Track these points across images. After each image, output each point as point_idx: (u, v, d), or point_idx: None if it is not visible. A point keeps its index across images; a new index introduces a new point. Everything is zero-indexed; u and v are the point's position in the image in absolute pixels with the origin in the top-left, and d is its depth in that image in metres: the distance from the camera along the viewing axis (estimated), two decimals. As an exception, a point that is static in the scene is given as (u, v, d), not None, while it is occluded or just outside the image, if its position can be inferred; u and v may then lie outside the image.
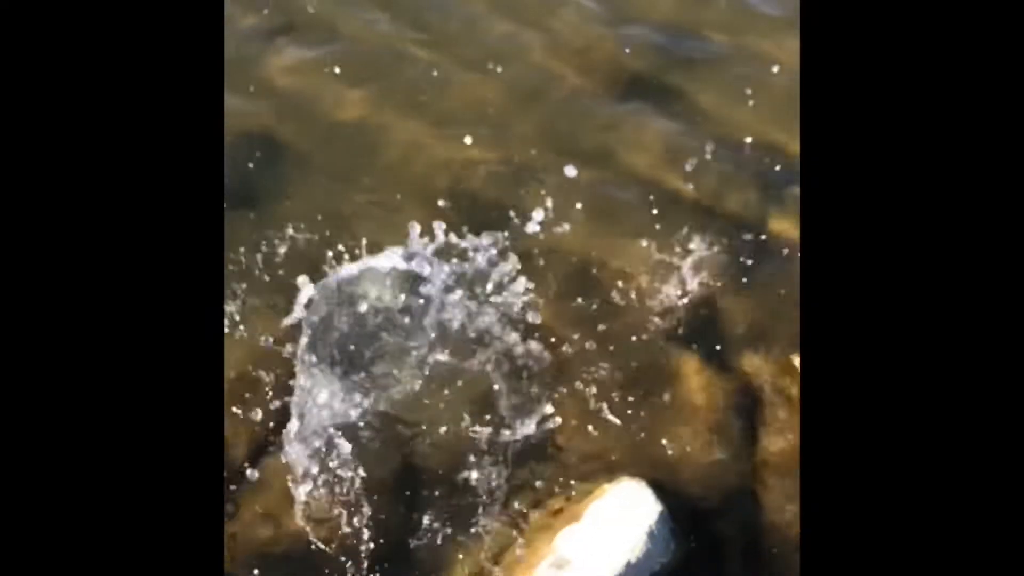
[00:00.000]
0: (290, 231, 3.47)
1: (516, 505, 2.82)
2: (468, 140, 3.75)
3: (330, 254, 3.34)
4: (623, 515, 2.72)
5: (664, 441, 2.92)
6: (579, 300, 3.28)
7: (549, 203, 3.46)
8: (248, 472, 2.87)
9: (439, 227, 3.30)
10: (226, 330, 3.15)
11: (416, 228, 3.26)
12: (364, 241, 3.37)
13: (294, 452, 2.91)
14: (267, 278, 3.33)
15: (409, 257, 3.30)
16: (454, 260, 3.32)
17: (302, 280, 3.19)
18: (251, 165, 3.77)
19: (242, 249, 3.39)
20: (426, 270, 3.29)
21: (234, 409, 2.97)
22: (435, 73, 4.16)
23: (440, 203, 3.58)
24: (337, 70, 4.14)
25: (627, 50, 4.30)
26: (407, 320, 3.23)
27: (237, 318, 3.20)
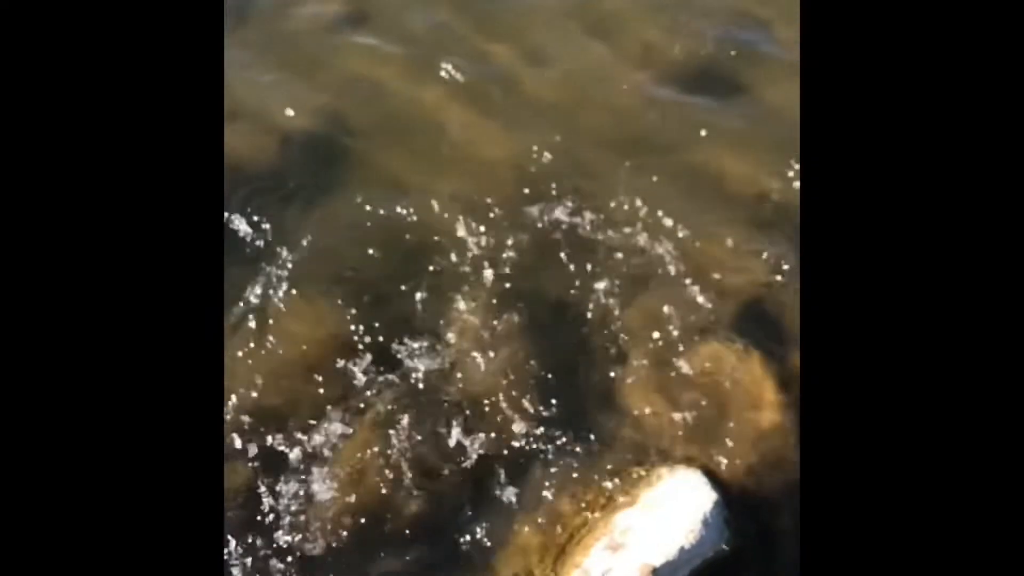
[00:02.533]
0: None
1: (573, 488, 2.89)
2: (534, 135, 3.87)
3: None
4: (678, 502, 2.77)
5: (721, 432, 2.96)
6: (641, 295, 3.36)
7: (613, 202, 3.59)
8: (304, 447, 2.99)
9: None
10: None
11: None
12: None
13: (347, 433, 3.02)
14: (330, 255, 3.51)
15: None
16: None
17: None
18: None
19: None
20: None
21: (300, 383, 3.12)
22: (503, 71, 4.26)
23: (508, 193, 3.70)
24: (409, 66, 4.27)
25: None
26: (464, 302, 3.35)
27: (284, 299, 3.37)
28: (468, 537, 2.83)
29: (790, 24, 4.38)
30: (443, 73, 4.23)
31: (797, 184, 3.67)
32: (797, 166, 3.71)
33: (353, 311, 3.31)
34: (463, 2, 4.61)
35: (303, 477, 2.92)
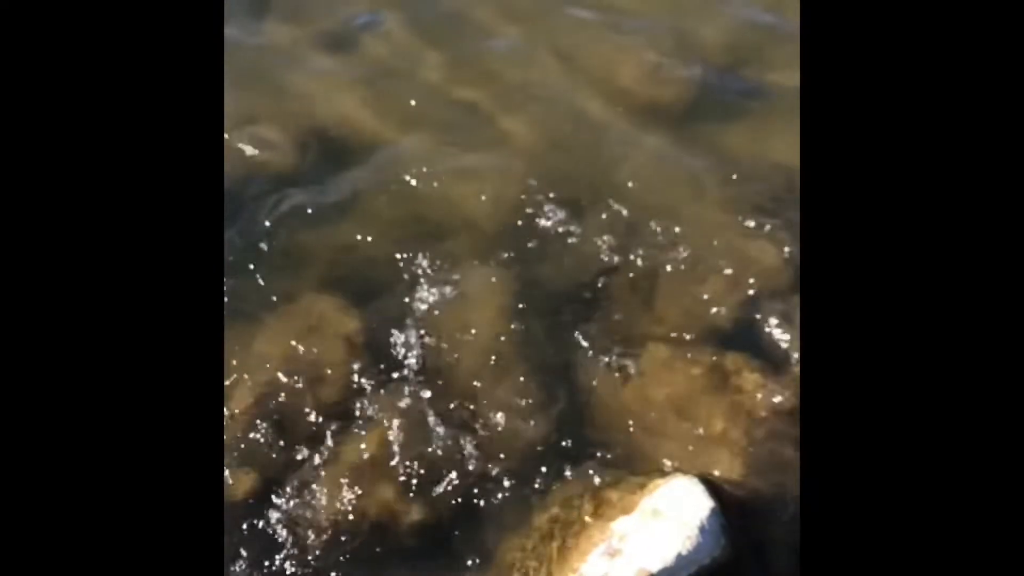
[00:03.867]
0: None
1: (572, 494, 2.91)
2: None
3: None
4: (675, 509, 2.79)
5: (718, 440, 2.99)
6: (642, 305, 3.40)
7: (613, 212, 3.63)
8: (302, 451, 3.01)
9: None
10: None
11: None
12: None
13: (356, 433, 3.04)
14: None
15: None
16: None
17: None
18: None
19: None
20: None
21: (299, 387, 3.16)
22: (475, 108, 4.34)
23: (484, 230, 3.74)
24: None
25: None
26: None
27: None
28: (465, 542, 2.84)
29: (779, 57, 4.46)
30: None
31: (793, 197, 3.72)
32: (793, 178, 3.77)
33: (353, 317, 3.35)
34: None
35: (301, 481, 2.93)
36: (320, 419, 3.09)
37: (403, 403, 3.11)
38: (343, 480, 2.93)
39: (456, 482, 2.94)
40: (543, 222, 3.66)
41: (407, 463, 2.97)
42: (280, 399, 3.13)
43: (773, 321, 3.31)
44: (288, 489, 2.92)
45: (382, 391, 3.15)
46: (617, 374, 3.18)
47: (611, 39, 4.65)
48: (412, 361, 3.23)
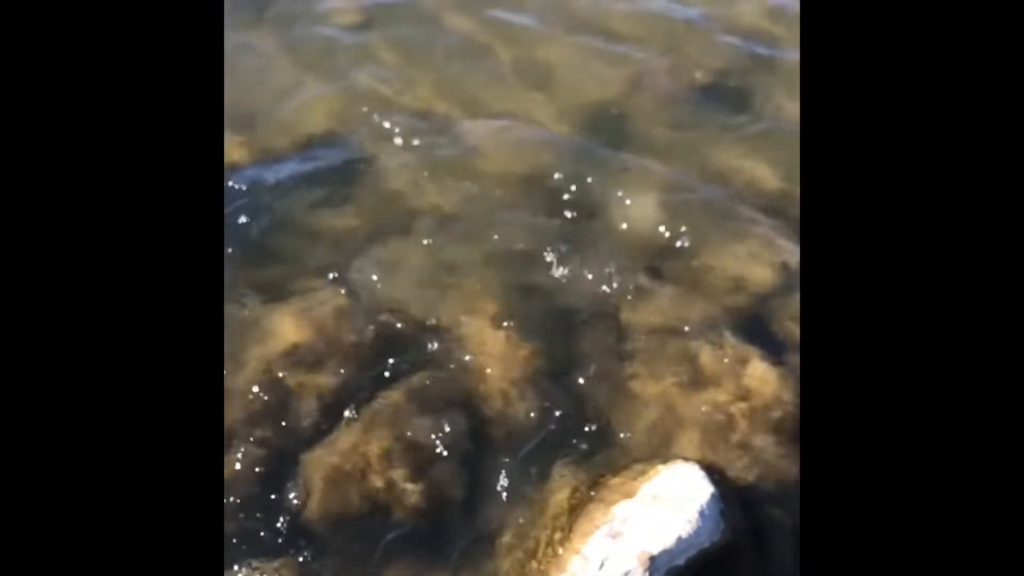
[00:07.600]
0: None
1: (575, 479, 2.95)
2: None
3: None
4: (676, 494, 2.84)
5: (719, 428, 3.05)
6: (646, 295, 3.47)
7: (616, 203, 3.75)
8: (311, 434, 3.02)
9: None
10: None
11: None
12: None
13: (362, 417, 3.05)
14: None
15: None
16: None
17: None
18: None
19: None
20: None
21: (300, 376, 3.18)
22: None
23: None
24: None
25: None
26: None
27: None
28: (469, 526, 2.86)
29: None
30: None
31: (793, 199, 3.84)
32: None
33: (354, 304, 3.38)
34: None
35: (302, 465, 2.94)
36: (321, 405, 3.11)
37: (405, 390, 3.13)
38: (345, 465, 2.94)
39: (458, 466, 2.97)
40: (545, 218, 3.73)
41: (409, 448, 2.99)
42: (280, 387, 3.14)
43: (780, 314, 3.39)
44: (288, 473, 2.92)
45: (385, 378, 3.17)
46: (620, 363, 3.23)
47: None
48: (415, 349, 3.26)
